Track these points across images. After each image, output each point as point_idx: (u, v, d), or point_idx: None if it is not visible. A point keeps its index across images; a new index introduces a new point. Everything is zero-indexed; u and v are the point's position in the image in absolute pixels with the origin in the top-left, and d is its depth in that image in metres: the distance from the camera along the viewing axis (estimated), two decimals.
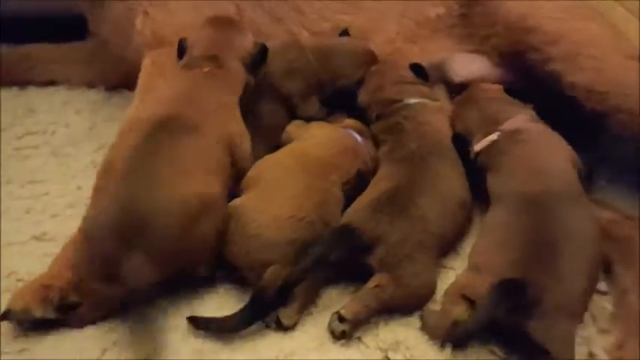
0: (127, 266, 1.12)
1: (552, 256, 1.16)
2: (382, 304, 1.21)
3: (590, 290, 1.20)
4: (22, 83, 1.93)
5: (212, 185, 1.24)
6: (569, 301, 1.14)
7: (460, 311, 1.17)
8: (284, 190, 1.29)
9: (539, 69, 1.56)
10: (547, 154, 1.37)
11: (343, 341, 1.19)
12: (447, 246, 1.35)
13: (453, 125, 1.52)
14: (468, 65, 1.70)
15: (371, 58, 1.69)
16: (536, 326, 1.11)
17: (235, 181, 1.35)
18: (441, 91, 1.69)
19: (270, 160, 1.39)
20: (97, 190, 1.32)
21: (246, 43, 1.49)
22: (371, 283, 1.21)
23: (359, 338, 1.20)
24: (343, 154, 1.42)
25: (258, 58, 1.49)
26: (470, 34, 1.76)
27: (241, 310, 1.18)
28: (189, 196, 1.18)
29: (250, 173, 1.36)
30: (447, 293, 1.22)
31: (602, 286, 1.30)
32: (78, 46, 1.94)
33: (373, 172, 1.45)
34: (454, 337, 1.17)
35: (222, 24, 1.52)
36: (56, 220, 1.45)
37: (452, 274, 1.32)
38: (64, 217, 1.45)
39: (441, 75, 1.71)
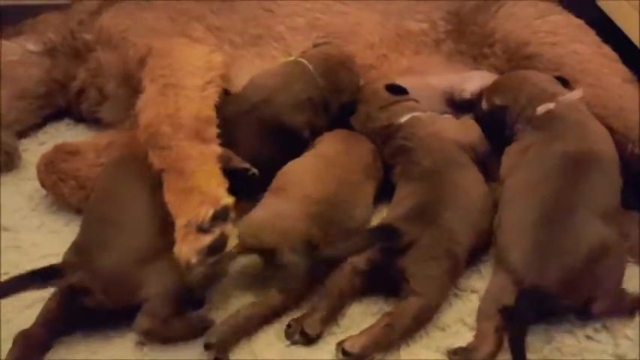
0: None
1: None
2: (391, 343, 1.22)
3: None
4: None
5: None
6: None
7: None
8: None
9: None
10: (597, 124, 1.47)
11: None
12: (473, 253, 1.38)
13: (490, 98, 1.59)
14: (476, 81, 1.72)
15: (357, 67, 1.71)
16: None
17: None
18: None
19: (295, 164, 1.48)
20: None
21: None
22: (381, 322, 1.23)
23: None
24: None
25: None
26: (461, 52, 1.82)
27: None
28: None
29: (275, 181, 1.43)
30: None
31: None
32: None
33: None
34: None
35: None
36: None
37: (475, 297, 1.34)
38: None
39: (450, 97, 1.74)
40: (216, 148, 1.38)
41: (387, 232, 1.29)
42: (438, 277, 1.28)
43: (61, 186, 1.58)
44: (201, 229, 1.19)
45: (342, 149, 1.52)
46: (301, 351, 1.24)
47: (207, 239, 1.18)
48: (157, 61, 1.52)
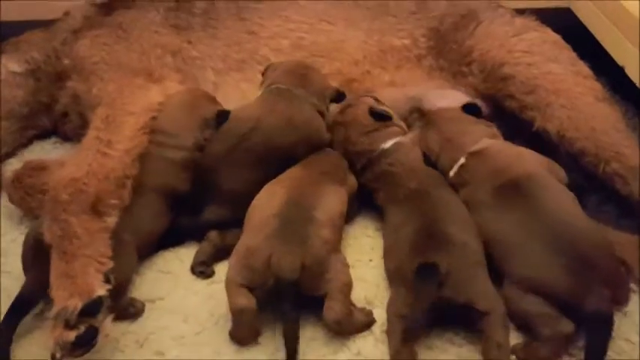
0: None
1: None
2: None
3: None
4: None
5: None
6: None
7: None
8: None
9: (515, 113, 1.67)
10: (510, 156, 1.48)
11: None
12: None
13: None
14: (444, 97, 1.75)
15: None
16: None
17: None
18: None
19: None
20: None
21: None
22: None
23: None
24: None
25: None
26: (441, 67, 1.85)
27: None
28: None
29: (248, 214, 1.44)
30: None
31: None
32: None
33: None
34: None
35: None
36: None
37: None
38: None
39: (415, 105, 1.77)
40: (110, 221, 1.37)
41: (429, 272, 1.26)
42: (489, 286, 1.29)
43: (29, 200, 1.61)
44: (68, 324, 1.18)
45: (302, 165, 1.53)
46: None
47: (71, 335, 1.18)
48: (101, 109, 1.55)
